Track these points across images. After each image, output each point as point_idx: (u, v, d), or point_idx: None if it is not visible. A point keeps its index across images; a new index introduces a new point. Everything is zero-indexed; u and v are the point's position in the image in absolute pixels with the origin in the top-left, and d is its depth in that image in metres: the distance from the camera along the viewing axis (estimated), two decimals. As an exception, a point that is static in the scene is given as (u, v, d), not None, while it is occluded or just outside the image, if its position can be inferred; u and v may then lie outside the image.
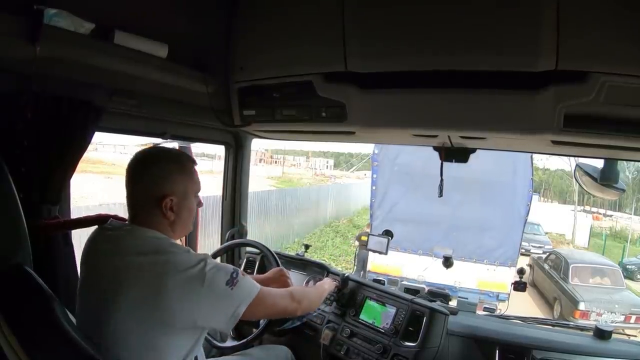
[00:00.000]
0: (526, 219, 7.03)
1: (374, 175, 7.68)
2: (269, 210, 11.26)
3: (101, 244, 1.29)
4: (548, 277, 10.05)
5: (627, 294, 8.98)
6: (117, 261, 1.20)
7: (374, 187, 7.66)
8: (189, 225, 1.37)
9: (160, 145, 1.35)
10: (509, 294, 6.64)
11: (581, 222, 20.46)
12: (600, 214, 26.76)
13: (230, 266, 1.27)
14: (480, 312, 2.32)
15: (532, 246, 13.59)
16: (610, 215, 26.39)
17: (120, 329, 1.15)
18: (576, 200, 22.40)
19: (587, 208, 27.80)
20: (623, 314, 7.89)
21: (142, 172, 1.27)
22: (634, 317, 7.96)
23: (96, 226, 1.36)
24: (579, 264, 9.54)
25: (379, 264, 7.13)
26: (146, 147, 1.35)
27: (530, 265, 11.74)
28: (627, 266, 14.02)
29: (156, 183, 1.26)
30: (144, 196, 1.26)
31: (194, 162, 1.36)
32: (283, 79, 1.86)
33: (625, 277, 11.63)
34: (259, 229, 10.64)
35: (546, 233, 16.68)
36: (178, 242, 1.34)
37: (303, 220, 13.54)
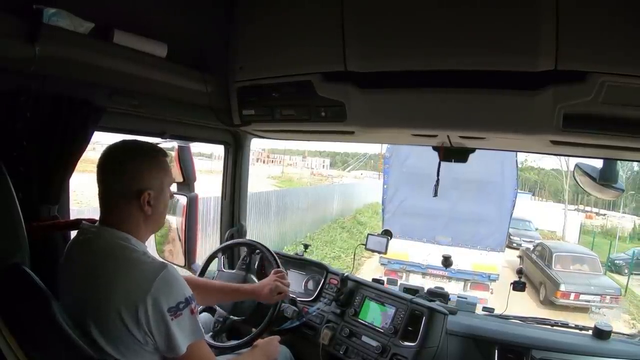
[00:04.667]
0: (512, 212, 8.19)
1: (386, 176, 8.73)
2: (285, 208, 12.17)
3: (74, 248, 1.30)
4: (535, 265, 11.35)
5: (604, 278, 10.49)
6: (82, 266, 1.21)
7: (385, 186, 8.66)
8: (164, 219, 1.37)
9: (130, 139, 1.34)
10: (498, 275, 8.01)
11: (572, 220, 21.25)
12: (593, 212, 27.28)
13: (186, 294, 1.20)
14: (479, 311, 2.32)
15: (524, 241, 14.79)
16: (604, 214, 26.92)
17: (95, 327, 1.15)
18: (566, 199, 22.91)
19: (581, 207, 28.53)
20: (598, 294, 9.55)
21: (118, 168, 1.25)
22: (608, 297, 9.62)
23: None
24: (561, 252, 10.96)
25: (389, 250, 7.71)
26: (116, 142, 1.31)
27: (520, 257, 13.20)
28: (616, 261, 15.02)
29: (134, 178, 1.24)
30: (120, 192, 1.24)
31: (166, 155, 1.36)
32: (282, 78, 1.86)
33: (614, 272, 13.61)
34: (276, 226, 11.46)
35: (537, 230, 18.00)
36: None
37: (313, 217, 14.54)
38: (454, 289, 7.61)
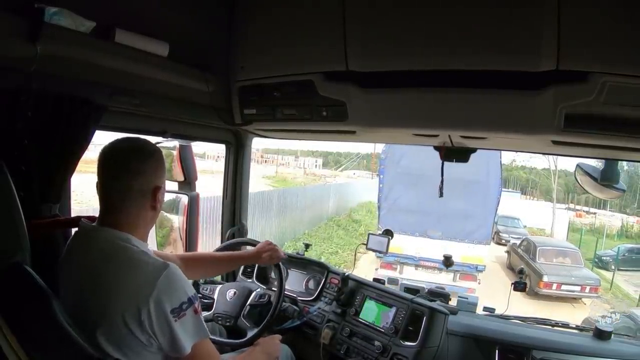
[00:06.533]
0: (497, 208, 8.94)
1: (381, 175, 9.39)
2: (285, 206, 12.81)
3: (74, 248, 1.29)
4: (520, 259, 12.15)
5: (585, 270, 11.36)
6: (83, 266, 1.20)
7: (381, 185, 9.30)
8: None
9: (129, 136, 1.34)
10: (485, 266, 8.81)
11: (561, 218, 21.73)
12: (583, 211, 27.90)
13: (189, 294, 1.18)
14: (479, 311, 2.33)
15: (512, 237, 15.49)
16: (594, 213, 27.49)
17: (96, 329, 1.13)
18: (554, 197, 23.50)
19: (572, 206, 29.42)
20: (579, 285, 10.37)
21: (136, 165, 1.24)
22: (588, 288, 10.44)
23: None
24: (545, 246, 11.82)
25: None
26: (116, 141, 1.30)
27: (507, 252, 13.93)
28: (603, 257, 15.58)
29: (154, 174, 1.26)
30: (138, 189, 1.23)
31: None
32: (284, 78, 1.86)
33: (600, 268, 14.42)
34: (276, 223, 12.05)
35: (525, 227, 18.77)
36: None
37: (310, 215, 15.15)
38: (444, 279, 8.29)
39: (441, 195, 2.05)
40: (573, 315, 9.18)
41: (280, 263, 2.05)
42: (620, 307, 10.87)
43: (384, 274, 8.39)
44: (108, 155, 1.25)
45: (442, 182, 2.06)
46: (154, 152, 1.30)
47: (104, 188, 1.25)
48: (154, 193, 1.26)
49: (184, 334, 1.15)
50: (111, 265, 1.16)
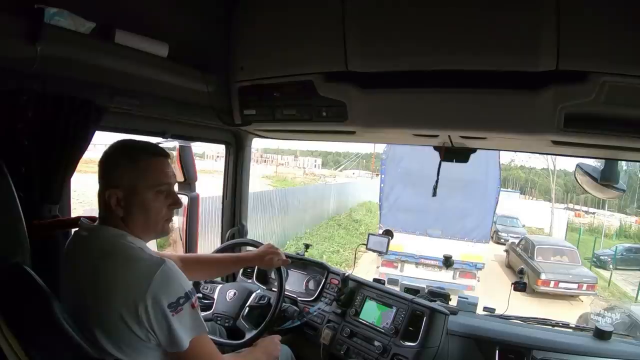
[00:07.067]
0: (495, 207, 9.13)
1: (382, 175, 9.57)
2: (286, 206, 13.03)
3: (73, 247, 1.29)
4: (519, 257, 12.40)
5: (582, 268, 11.48)
6: (81, 264, 1.20)
7: (382, 185, 9.49)
8: (150, 223, 1.27)
9: (130, 138, 1.32)
10: (484, 264, 8.97)
11: (560, 217, 21.92)
12: (582, 211, 28.22)
13: (186, 288, 1.18)
14: (479, 311, 2.32)
15: (511, 236, 15.71)
16: (593, 213, 27.71)
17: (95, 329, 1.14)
18: (553, 197, 23.81)
19: (571, 205, 29.77)
20: (576, 282, 10.53)
21: (99, 166, 1.25)
22: (585, 285, 10.57)
23: None
24: (543, 245, 11.98)
25: None
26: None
27: (506, 251, 14.15)
28: (601, 257, 15.62)
29: (103, 176, 1.25)
30: (100, 191, 1.24)
31: (155, 156, 1.28)
32: (283, 78, 1.86)
33: (599, 267, 14.53)
34: (279, 222, 12.25)
35: (524, 226, 19.02)
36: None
37: (311, 215, 15.40)
38: (444, 277, 8.43)
39: (434, 194, 2.04)
40: (571, 312, 9.25)
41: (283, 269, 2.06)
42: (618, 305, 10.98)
43: (385, 271, 8.57)
44: (104, 156, 1.27)
45: (436, 182, 2.05)
46: (130, 153, 1.27)
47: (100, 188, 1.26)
48: (106, 192, 1.23)
49: (181, 329, 1.16)
50: (109, 262, 1.16)
